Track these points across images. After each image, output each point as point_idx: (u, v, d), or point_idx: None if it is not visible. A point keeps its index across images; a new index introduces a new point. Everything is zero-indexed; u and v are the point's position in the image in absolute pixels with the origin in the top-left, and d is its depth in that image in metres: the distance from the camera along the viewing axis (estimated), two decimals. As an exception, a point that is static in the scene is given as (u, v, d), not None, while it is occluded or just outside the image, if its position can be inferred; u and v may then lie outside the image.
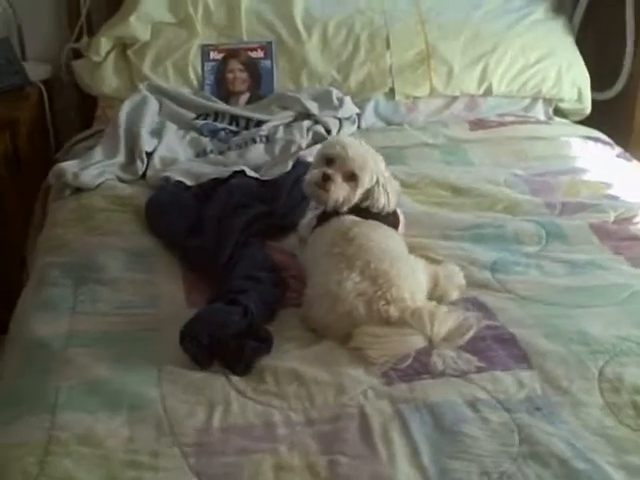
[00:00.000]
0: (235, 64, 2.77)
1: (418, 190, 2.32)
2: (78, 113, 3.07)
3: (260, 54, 2.76)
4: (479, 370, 1.55)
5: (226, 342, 1.58)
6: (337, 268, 1.71)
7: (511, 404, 1.47)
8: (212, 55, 2.75)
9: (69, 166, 2.37)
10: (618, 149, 2.75)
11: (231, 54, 2.76)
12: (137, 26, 2.72)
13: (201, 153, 2.52)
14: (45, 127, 2.97)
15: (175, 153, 2.50)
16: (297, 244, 2.05)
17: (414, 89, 2.78)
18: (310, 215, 2.11)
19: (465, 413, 1.45)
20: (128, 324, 1.74)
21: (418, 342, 1.60)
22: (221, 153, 2.52)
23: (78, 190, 2.32)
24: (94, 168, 2.38)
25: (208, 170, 2.38)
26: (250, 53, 2.76)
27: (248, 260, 1.86)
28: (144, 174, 2.42)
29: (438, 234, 2.08)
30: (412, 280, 1.71)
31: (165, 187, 2.29)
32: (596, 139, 2.78)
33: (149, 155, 2.46)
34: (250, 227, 2.01)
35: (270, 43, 2.76)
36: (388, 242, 1.80)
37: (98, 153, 2.46)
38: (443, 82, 2.78)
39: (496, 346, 1.62)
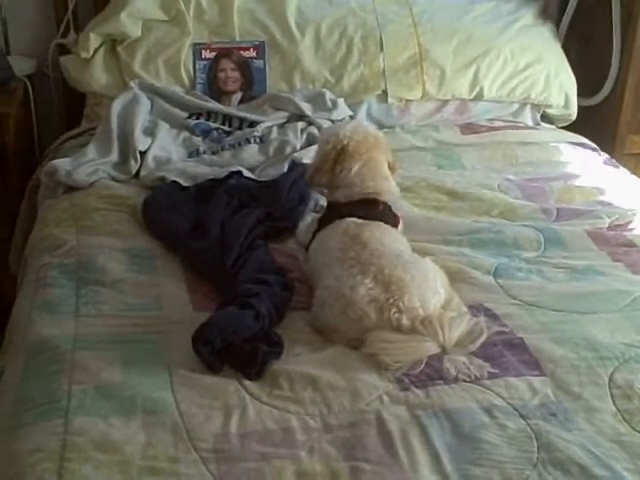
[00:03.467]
0: (227, 63, 2.74)
1: (415, 194, 2.33)
2: (62, 109, 3.03)
3: (252, 54, 2.73)
4: (492, 376, 1.56)
5: (239, 346, 1.57)
6: (350, 272, 1.70)
7: (526, 410, 1.49)
8: (204, 54, 2.72)
9: (62, 164, 2.33)
10: (605, 155, 2.79)
11: (223, 53, 2.73)
12: (128, 23, 2.67)
13: (194, 153, 2.49)
14: (30, 123, 2.92)
15: (168, 153, 2.47)
16: (298, 247, 2.05)
17: (407, 92, 2.77)
18: (309, 219, 2.12)
19: (482, 419, 1.46)
20: (134, 327, 1.72)
21: (431, 348, 1.61)
22: (214, 153, 2.49)
23: (71, 189, 2.29)
24: (87, 166, 2.34)
25: (204, 171, 2.35)
26: (242, 53, 2.73)
27: (255, 263, 1.85)
28: (137, 173, 2.39)
29: (439, 239, 2.09)
30: (424, 286, 1.70)
31: (161, 187, 2.26)
32: (584, 145, 2.82)
33: (142, 154, 2.43)
34: (254, 229, 2.00)
35: (263, 43, 2.74)
36: (398, 246, 1.80)
37: (91, 151, 2.42)
38: (435, 86, 2.78)
39: (507, 352, 1.64)
